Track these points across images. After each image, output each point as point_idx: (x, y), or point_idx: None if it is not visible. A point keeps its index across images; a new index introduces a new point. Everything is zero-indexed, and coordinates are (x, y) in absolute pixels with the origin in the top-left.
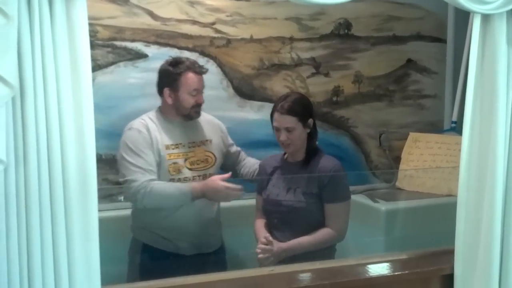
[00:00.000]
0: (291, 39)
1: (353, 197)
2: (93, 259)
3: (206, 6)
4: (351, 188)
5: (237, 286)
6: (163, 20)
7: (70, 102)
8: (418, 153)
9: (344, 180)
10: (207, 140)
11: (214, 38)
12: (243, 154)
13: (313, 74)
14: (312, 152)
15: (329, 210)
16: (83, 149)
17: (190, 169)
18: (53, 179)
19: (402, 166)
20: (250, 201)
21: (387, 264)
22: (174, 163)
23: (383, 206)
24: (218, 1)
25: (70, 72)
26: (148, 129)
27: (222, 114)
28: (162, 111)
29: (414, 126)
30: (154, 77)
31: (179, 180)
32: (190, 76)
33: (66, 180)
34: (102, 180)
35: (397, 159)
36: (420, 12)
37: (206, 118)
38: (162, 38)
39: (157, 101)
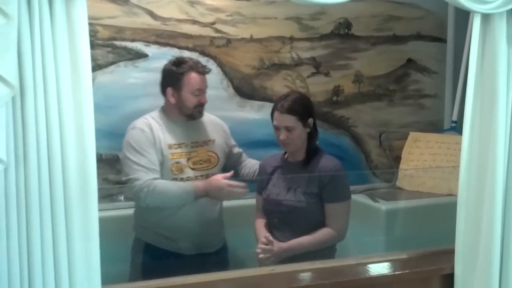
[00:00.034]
0: (291, 39)
1: (353, 196)
2: (93, 259)
3: (206, 5)
4: (351, 187)
5: (237, 286)
6: (163, 20)
7: (70, 102)
8: (418, 152)
9: (344, 180)
10: (210, 140)
11: (214, 37)
12: (244, 156)
13: (313, 74)
14: (312, 151)
15: (330, 210)
16: (83, 149)
17: (192, 168)
18: (53, 179)
19: (402, 165)
20: (253, 201)
21: (388, 263)
22: (177, 162)
23: (383, 205)
24: (218, 1)
25: (70, 72)
26: (151, 128)
27: (222, 114)
28: (165, 110)
29: (414, 125)
30: (154, 77)
31: (181, 179)
32: (193, 76)
33: (66, 180)
34: (102, 180)
35: (397, 159)
36: (420, 11)
37: (209, 118)
38: (162, 38)
39: (157, 101)
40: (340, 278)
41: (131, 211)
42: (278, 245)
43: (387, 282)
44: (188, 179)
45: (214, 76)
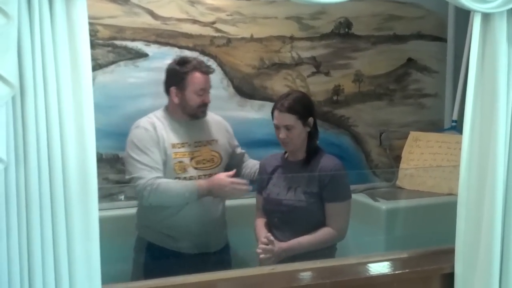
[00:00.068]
0: (292, 38)
1: (353, 196)
2: (93, 259)
3: (206, 5)
4: (352, 187)
5: (238, 285)
6: (164, 19)
7: (70, 102)
8: (419, 152)
9: (344, 179)
10: (213, 140)
11: (215, 37)
12: (247, 157)
13: (313, 73)
14: (312, 151)
15: (330, 209)
16: (83, 149)
17: (195, 168)
18: (53, 178)
19: (402, 165)
20: (255, 201)
21: (388, 263)
22: (180, 162)
23: (383, 205)
24: (219, 0)
25: (70, 72)
26: (155, 127)
27: (223, 113)
28: (169, 110)
29: (415, 125)
30: (154, 76)
31: (184, 179)
32: (197, 75)
33: (66, 180)
34: (102, 179)
35: (397, 158)
36: (420, 11)
37: (213, 118)
38: (162, 38)
39: (157, 101)
40: (341, 277)
41: (131, 211)
42: (278, 245)
43: (388, 281)
44: (191, 178)
45: (214, 76)
